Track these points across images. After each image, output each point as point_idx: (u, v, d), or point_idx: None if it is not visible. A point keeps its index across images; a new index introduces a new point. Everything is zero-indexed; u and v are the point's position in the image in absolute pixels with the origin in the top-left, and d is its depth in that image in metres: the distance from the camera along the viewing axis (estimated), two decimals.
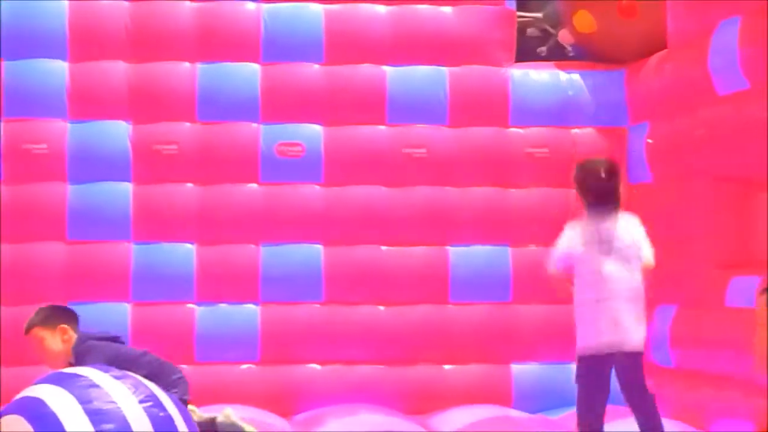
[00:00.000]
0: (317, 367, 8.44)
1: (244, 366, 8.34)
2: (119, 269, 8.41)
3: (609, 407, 6.32)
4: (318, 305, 8.49)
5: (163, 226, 8.48)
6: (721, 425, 7.08)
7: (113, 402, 4.22)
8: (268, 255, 8.50)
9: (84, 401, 4.21)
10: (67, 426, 4.13)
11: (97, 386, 4.29)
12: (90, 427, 4.13)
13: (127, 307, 8.36)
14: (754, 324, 3.56)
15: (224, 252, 8.49)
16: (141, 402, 4.27)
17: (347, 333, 8.44)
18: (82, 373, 4.44)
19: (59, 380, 4.39)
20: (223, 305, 8.42)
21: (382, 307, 8.51)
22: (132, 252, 8.45)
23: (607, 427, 6.34)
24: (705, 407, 7.32)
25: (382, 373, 8.44)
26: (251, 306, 8.45)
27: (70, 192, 8.43)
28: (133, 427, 4.17)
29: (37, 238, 8.31)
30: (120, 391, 4.29)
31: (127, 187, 8.49)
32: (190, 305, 8.41)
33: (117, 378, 4.41)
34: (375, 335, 8.45)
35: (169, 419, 4.27)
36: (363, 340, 8.44)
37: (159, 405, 4.30)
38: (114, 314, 8.31)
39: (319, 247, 8.53)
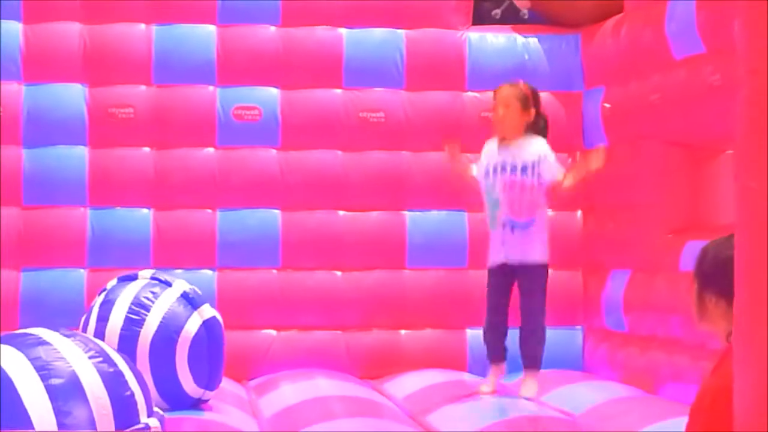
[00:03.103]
0: (273, 332, 8.43)
1: None
2: (75, 235, 8.36)
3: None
4: (275, 271, 8.48)
5: (120, 191, 8.44)
6: (670, 389, 7.13)
7: (62, 358, 4.21)
8: (224, 220, 8.48)
9: (33, 358, 4.19)
10: (16, 381, 4.11)
11: (46, 343, 4.28)
12: (39, 383, 4.11)
13: (83, 273, 8.32)
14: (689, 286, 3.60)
15: (181, 217, 8.46)
16: (91, 358, 4.26)
17: (304, 298, 8.44)
18: (30, 332, 4.43)
19: (8, 339, 4.37)
20: (179, 271, 8.37)
21: (338, 273, 8.51)
22: (88, 217, 8.40)
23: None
24: (656, 371, 7.36)
25: (338, 338, 8.44)
26: (208, 271, 8.43)
27: (25, 156, 8.36)
28: (83, 381, 4.16)
29: None
30: (69, 348, 4.28)
31: (83, 151, 8.44)
32: (147, 271, 8.36)
33: (66, 336, 4.40)
34: (331, 300, 8.45)
35: (119, 374, 4.26)
36: (319, 305, 8.44)
37: (109, 361, 4.29)
38: (70, 280, 8.27)
39: (277, 212, 8.51)
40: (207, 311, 6.52)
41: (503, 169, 6.75)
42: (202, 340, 6.44)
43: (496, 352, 7.03)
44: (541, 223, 6.83)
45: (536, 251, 6.81)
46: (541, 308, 6.86)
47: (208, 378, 6.50)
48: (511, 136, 6.77)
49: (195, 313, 6.47)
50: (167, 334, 6.36)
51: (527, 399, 6.85)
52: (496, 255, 6.90)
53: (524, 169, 6.71)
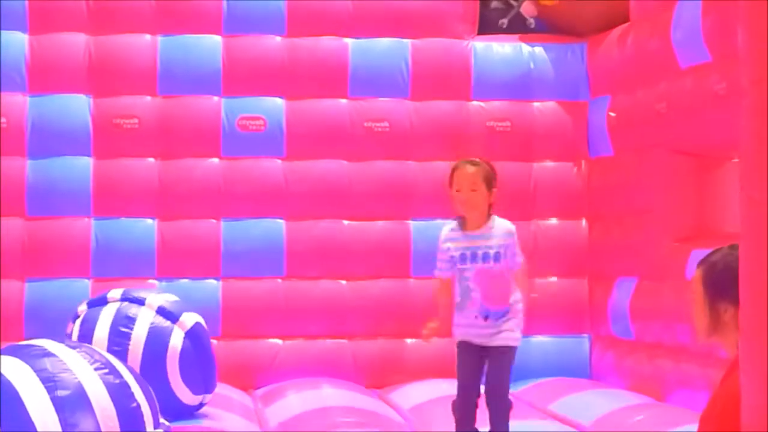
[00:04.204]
0: (279, 341, 8.42)
1: None
2: (79, 245, 8.36)
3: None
4: (280, 280, 8.47)
5: (124, 201, 8.44)
6: (678, 395, 7.12)
7: (68, 370, 4.21)
8: (229, 230, 8.47)
9: (39, 369, 4.19)
10: (22, 393, 4.11)
11: (51, 355, 4.28)
12: (45, 395, 4.11)
13: (87, 284, 8.31)
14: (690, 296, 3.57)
15: (185, 227, 8.46)
16: (96, 369, 4.27)
17: (309, 307, 8.43)
18: (36, 344, 4.43)
19: (13, 351, 4.37)
20: (184, 281, 8.38)
21: (343, 282, 8.50)
22: (92, 227, 8.40)
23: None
24: (663, 378, 7.36)
25: (344, 347, 8.43)
26: (212, 281, 8.42)
27: (29, 167, 8.36)
28: (89, 393, 4.16)
29: None
30: (75, 359, 4.28)
31: (88, 162, 8.44)
32: (152, 281, 8.37)
33: (72, 347, 4.40)
34: (337, 310, 8.44)
35: (125, 386, 4.27)
36: (325, 314, 8.43)
37: (114, 372, 4.30)
38: (74, 290, 8.25)
39: (281, 221, 8.51)
40: (187, 320, 6.45)
41: (474, 258, 6.22)
42: (189, 352, 6.40)
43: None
44: (516, 311, 6.26)
45: (511, 335, 6.23)
46: (508, 389, 6.27)
47: (203, 384, 6.48)
48: (476, 221, 6.24)
49: (176, 327, 6.40)
50: (154, 356, 6.30)
51: None
52: (467, 335, 6.32)
53: (497, 257, 6.18)
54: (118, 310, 6.40)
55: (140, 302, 6.43)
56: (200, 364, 6.45)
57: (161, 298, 6.51)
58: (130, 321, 6.34)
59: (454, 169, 6.37)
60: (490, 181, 6.25)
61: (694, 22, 6.99)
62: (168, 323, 6.40)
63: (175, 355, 6.35)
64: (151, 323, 6.36)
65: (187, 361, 6.39)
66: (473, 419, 6.33)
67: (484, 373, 6.30)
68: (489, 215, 6.23)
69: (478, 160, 6.35)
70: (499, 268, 6.17)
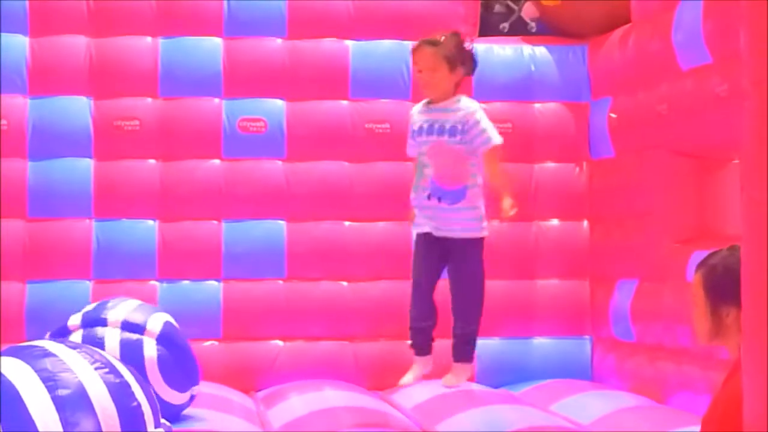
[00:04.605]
0: (280, 343, 8.43)
1: (207, 343, 8.31)
2: (80, 247, 8.37)
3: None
4: (281, 281, 8.48)
5: (125, 203, 8.45)
6: (680, 398, 7.12)
7: (69, 369, 4.22)
8: (230, 231, 8.48)
9: (39, 369, 4.20)
10: (23, 393, 4.12)
11: (52, 354, 4.29)
12: (46, 394, 4.12)
13: (88, 285, 8.32)
14: (690, 299, 3.57)
15: (186, 228, 8.47)
16: (97, 369, 4.28)
17: (310, 309, 8.43)
18: (36, 344, 4.44)
19: (13, 352, 4.38)
20: (185, 282, 8.39)
21: (345, 283, 8.51)
22: (93, 229, 8.40)
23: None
24: (664, 380, 7.36)
25: (345, 348, 8.44)
26: (213, 283, 8.42)
27: (30, 169, 8.37)
28: (89, 392, 4.16)
29: None
30: (75, 359, 4.29)
31: (88, 164, 8.45)
32: (152, 282, 8.38)
33: (72, 347, 4.41)
34: (338, 311, 8.44)
35: (126, 385, 4.28)
36: (326, 316, 8.44)
37: (115, 372, 4.31)
38: (75, 292, 8.26)
39: (282, 223, 8.52)
40: (154, 326, 6.34)
41: (430, 130, 6.15)
42: (166, 357, 6.32)
43: (422, 340, 6.26)
44: (474, 196, 6.12)
45: (469, 228, 6.09)
46: (474, 279, 6.11)
47: (189, 380, 6.44)
48: (440, 99, 6.18)
49: (145, 338, 6.31)
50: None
51: (448, 387, 6.31)
52: (423, 224, 6.20)
53: (452, 131, 6.11)
54: (84, 337, 6.23)
55: (102, 323, 6.30)
56: (180, 364, 6.39)
57: (122, 310, 6.36)
58: (99, 345, 6.21)
59: (414, 50, 6.23)
60: (452, 60, 6.09)
61: (694, 23, 7.00)
62: (136, 336, 6.28)
63: (153, 365, 6.27)
64: (120, 341, 6.23)
65: (166, 366, 6.32)
66: (431, 330, 6.13)
67: (441, 266, 6.14)
68: (455, 94, 6.04)
69: (441, 37, 6.18)
70: (455, 144, 5.99)
